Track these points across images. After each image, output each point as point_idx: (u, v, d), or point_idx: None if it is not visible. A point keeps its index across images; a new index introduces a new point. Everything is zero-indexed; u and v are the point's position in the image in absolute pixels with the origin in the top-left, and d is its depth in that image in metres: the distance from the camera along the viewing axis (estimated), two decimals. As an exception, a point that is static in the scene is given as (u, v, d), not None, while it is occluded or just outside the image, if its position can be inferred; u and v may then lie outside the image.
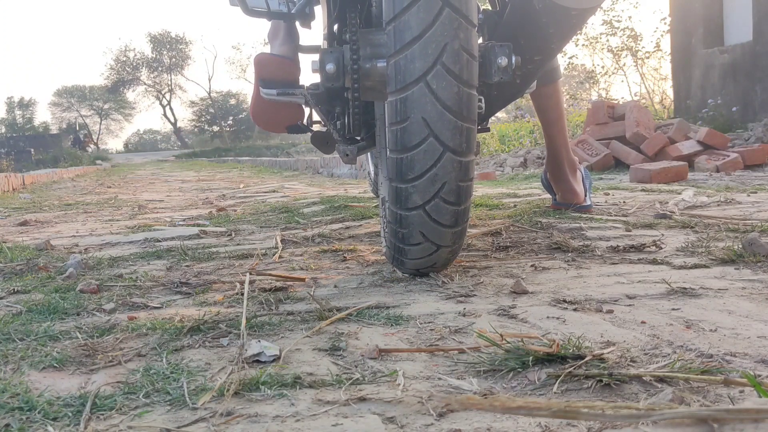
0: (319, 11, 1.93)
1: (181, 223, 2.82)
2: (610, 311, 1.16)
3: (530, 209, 2.52)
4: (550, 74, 2.34)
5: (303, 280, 1.51)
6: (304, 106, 1.99)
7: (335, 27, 1.66)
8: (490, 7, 1.78)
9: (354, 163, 1.75)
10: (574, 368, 0.85)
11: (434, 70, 1.25)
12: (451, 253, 1.42)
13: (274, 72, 1.91)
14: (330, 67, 1.40)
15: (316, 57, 1.45)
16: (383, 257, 1.75)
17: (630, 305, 1.19)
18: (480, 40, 1.62)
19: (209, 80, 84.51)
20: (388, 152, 1.39)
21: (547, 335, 1.02)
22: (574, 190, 2.45)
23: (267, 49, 2.12)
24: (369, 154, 2.55)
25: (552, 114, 2.41)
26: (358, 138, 1.70)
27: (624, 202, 2.76)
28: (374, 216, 2.62)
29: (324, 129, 1.94)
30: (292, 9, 1.87)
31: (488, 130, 1.82)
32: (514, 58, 1.40)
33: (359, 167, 6.42)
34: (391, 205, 1.37)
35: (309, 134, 1.98)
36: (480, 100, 1.50)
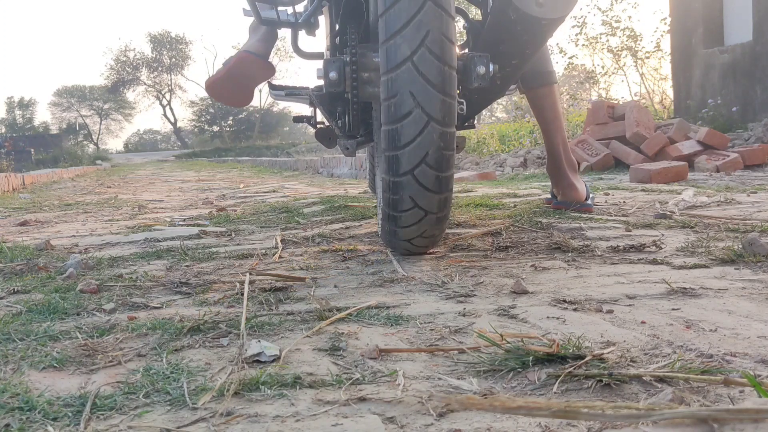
0: (322, 20, 2.25)
1: (181, 223, 2.82)
2: (610, 311, 1.16)
3: (530, 209, 2.52)
4: (545, 77, 2.43)
5: (303, 280, 1.51)
6: (309, 106, 2.32)
7: (337, 39, 1.88)
8: (479, 17, 2.04)
9: (354, 156, 2.07)
10: (574, 368, 0.85)
11: (419, 52, 1.46)
12: (438, 221, 1.59)
13: (253, 70, 2.31)
14: (333, 75, 1.65)
15: (320, 65, 1.69)
16: (383, 257, 1.75)
17: (630, 305, 1.19)
18: (466, 51, 1.91)
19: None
20: (382, 125, 1.56)
21: (547, 335, 1.02)
22: (574, 186, 2.46)
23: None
24: (369, 153, 2.74)
25: (548, 113, 2.46)
26: (358, 135, 1.93)
27: (624, 202, 2.76)
28: (374, 216, 2.62)
29: (325, 126, 2.23)
30: (299, 19, 2.19)
31: (473, 126, 2.07)
32: (491, 66, 1.64)
33: (359, 167, 6.42)
34: (384, 174, 1.56)
35: (308, 135, 2.16)
36: (461, 103, 1.71)
